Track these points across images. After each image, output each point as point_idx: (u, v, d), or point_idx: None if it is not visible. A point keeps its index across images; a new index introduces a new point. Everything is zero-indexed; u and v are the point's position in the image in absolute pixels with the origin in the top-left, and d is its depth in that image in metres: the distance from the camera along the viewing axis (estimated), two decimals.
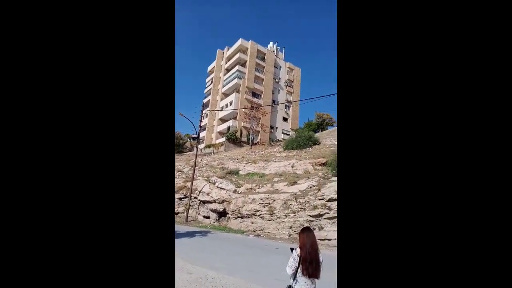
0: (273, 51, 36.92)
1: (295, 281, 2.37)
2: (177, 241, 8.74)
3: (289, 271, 2.41)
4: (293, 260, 2.40)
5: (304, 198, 11.30)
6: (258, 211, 12.38)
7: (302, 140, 20.73)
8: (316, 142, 20.69)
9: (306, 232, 2.51)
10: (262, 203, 12.41)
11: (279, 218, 11.51)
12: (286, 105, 35.66)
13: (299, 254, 2.39)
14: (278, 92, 36.05)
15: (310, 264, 2.34)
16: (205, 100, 38.23)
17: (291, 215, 11.17)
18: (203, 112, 18.85)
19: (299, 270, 2.36)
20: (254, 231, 11.85)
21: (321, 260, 2.42)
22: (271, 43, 38.00)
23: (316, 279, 2.41)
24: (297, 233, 10.85)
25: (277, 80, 36.04)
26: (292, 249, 2.54)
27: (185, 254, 6.76)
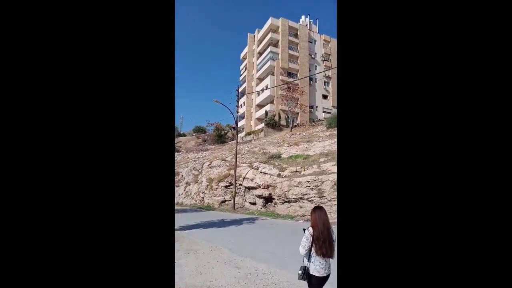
0: (306, 25, 34.34)
1: (310, 261, 2.32)
2: (224, 230, 8.55)
3: (302, 251, 2.37)
4: (305, 239, 2.35)
5: None
6: (305, 194, 11.60)
7: None
8: None
9: (317, 211, 2.44)
10: (309, 186, 11.59)
11: (330, 201, 10.58)
12: (325, 82, 33.30)
13: (312, 234, 2.34)
14: (315, 69, 33.56)
15: (323, 244, 2.29)
16: (240, 88, 37.86)
17: None
18: (238, 99, 18.42)
19: (313, 250, 2.31)
20: (304, 216, 11.15)
21: (334, 238, 2.36)
22: (303, 16, 35.39)
23: (330, 259, 2.34)
24: None
25: (312, 55, 33.56)
26: (304, 230, 2.47)
27: (232, 244, 6.41)
